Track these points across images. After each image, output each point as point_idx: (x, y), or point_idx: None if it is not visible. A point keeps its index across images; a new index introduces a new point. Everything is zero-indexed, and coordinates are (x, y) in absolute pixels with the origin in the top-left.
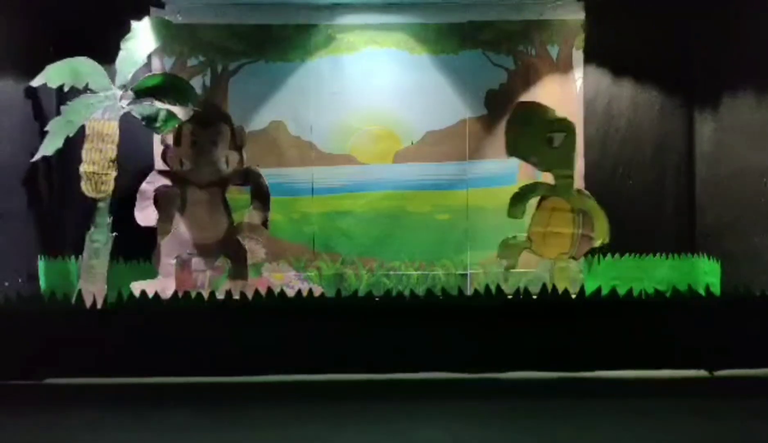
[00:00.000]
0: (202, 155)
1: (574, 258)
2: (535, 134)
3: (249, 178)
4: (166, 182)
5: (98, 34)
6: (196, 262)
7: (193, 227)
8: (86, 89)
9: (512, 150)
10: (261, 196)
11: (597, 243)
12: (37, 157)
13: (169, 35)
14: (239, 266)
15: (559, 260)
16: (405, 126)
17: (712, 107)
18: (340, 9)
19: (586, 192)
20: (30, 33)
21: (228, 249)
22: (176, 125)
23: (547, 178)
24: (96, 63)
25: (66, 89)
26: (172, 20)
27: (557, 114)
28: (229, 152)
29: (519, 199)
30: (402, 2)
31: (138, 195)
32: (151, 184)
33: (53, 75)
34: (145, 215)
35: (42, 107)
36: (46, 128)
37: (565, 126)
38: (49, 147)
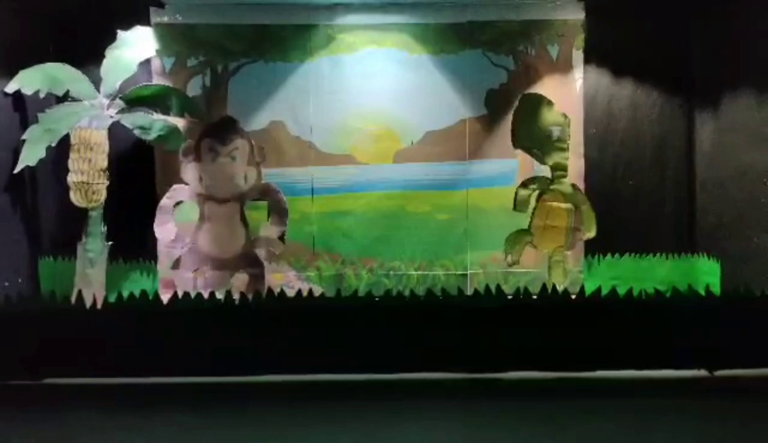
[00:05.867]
0: (222, 171)
1: (567, 251)
2: (539, 126)
3: (267, 194)
4: (186, 197)
5: (99, 35)
6: (213, 276)
7: (211, 241)
8: (66, 97)
9: (518, 141)
10: (279, 211)
11: (585, 236)
12: (18, 168)
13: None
14: (257, 281)
15: (555, 254)
16: (405, 126)
17: (712, 107)
18: (340, 9)
19: (576, 185)
20: (30, 33)
21: (246, 264)
22: (183, 141)
23: (543, 172)
24: (76, 70)
25: (42, 96)
26: (172, 21)
27: (555, 108)
28: (248, 168)
29: (524, 192)
30: (402, 2)
31: (158, 210)
32: (171, 199)
33: (26, 81)
34: (165, 230)
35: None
36: (23, 137)
37: (561, 119)
38: (30, 157)
